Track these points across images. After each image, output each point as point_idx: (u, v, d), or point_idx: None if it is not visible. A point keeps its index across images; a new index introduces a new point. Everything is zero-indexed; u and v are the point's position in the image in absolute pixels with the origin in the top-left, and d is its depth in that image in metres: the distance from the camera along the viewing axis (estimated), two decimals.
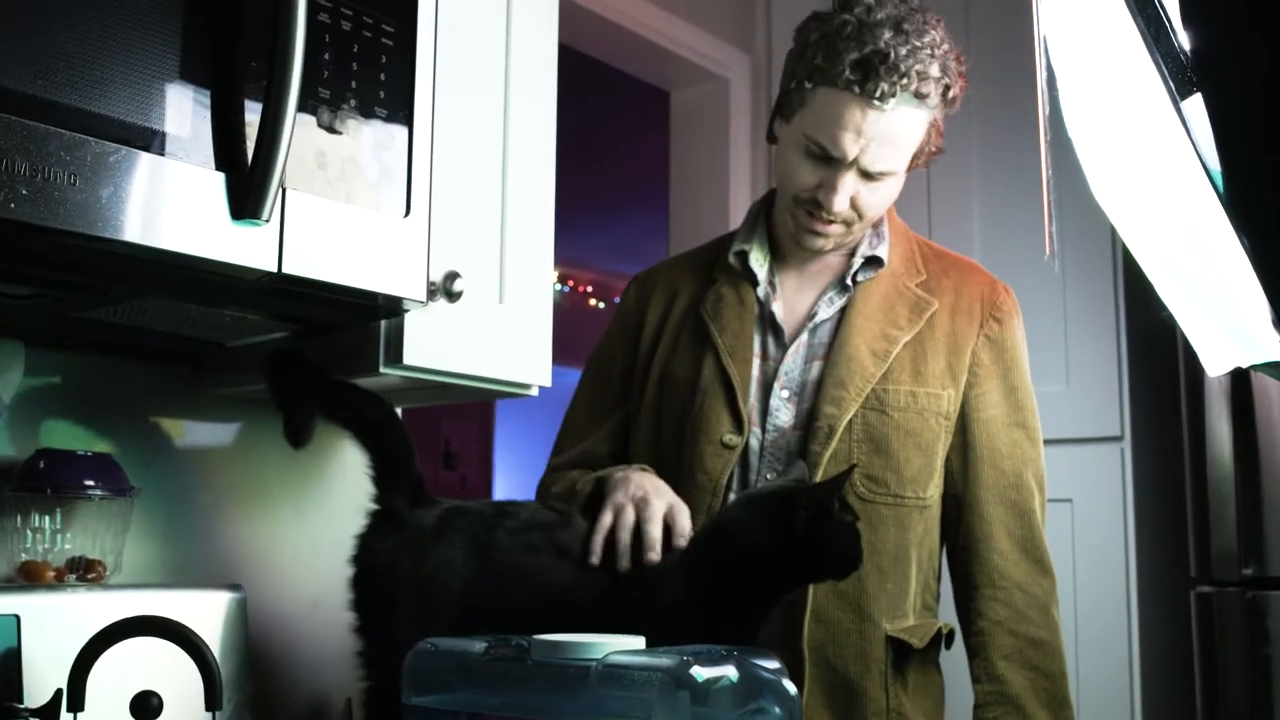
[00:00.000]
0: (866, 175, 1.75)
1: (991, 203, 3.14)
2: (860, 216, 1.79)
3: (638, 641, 1.36)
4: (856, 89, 1.70)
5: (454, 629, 1.48)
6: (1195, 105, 1.05)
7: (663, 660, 1.26)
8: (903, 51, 1.69)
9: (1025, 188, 3.00)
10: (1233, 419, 2.58)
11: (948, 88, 1.75)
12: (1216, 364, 1.34)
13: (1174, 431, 2.77)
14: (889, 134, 1.72)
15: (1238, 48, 0.95)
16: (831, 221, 1.79)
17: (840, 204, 1.75)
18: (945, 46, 1.74)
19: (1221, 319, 1.29)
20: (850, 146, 1.72)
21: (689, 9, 3.44)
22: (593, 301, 8.11)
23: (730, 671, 1.27)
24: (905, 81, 1.69)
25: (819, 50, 1.74)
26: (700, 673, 1.24)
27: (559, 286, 7.87)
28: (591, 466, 1.86)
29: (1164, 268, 1.31)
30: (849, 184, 1.75)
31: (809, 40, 1.77)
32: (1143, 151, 1.23)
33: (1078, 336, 2.95)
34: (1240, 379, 2.55)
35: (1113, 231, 2.65)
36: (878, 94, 1.69)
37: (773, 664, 1.33)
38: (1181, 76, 1.06)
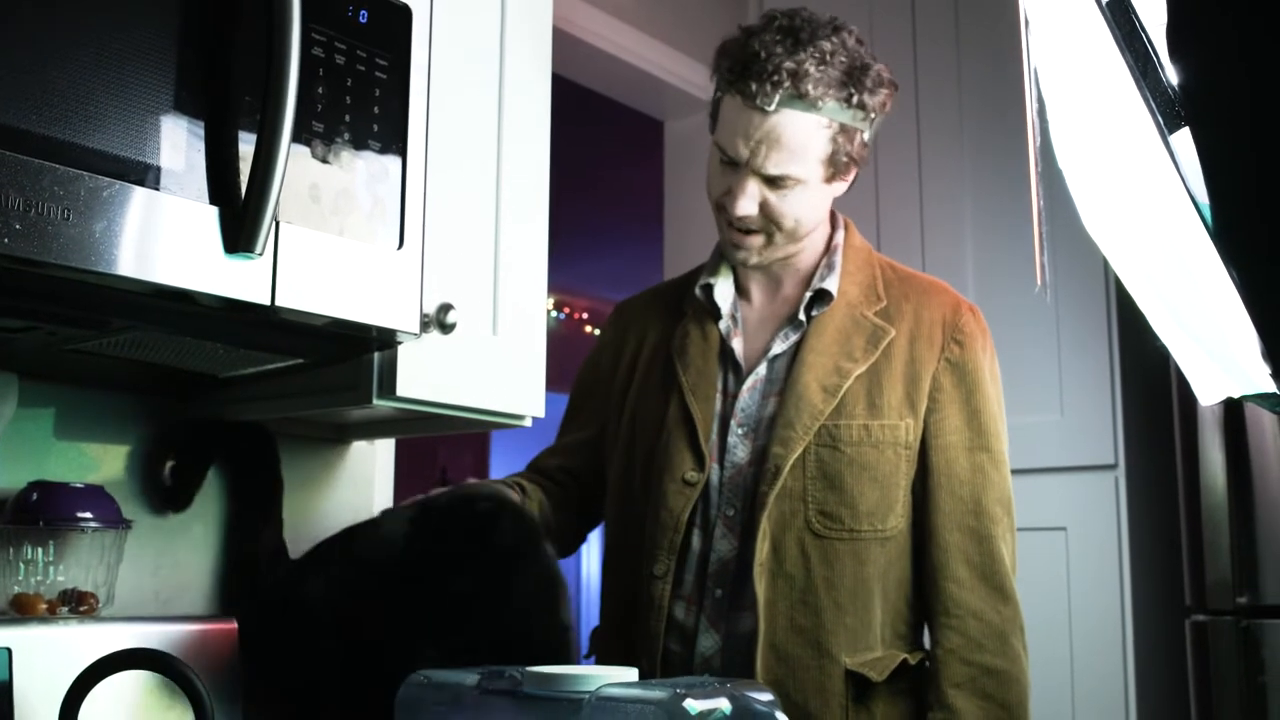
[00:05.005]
0: (769, 181, 1.75)
1: (984, 234, 3.15)
2: (778, 227, 1.78)
3: (630, 673, 1.36)
4: (734, 90, 1.74)
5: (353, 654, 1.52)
6: (1183, 139, 1.06)
7: (655, 693, 1.26)
8: (777, 52, 1.70)
9: (1017, 219, 3.00)
10: (1226, 448, 2.58)
11: (852, 95, 1.73)
12: (1208, 394, 1.34)
13: (1167, 460, 2.77)
14: (777, 137, 1.72)
15: (1223, 83, 0.96)
16: (747, 232, 1.79)
17: (744, 208, 1.75)
18: (845, 56, 1.73)
19: (1212, 350, 1.29)
20: (741, 149, 1.73)
21: (682, 39, 3.46)
22: (588, 328, 8.12)
23: (723, 704, 1.27)
24: (777, 79, 1.69)
25: (715, 62, 1.80)
26: (693, 705, 1.24)
27: (554, 313, 7.89)
28: (540, 472, 1.98)
29: (1155, 298, 1.32)
30: (751, 189, 1.75)
31: (715, 57, 1.82)
32: (1133, 184, 1.23)
33: (1071, 366, 2.96)
34: (1233, 408, 2.55)
35: (1105, 262, 2.65)
36: (754, 95, 1.71)
37: (765, 695, 1.33)
38: (1169, 111, 1.07)
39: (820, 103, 1.71)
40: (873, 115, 1.78)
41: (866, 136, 1.80)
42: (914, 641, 1.82)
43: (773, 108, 1.70)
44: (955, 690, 1.71)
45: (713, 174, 1.81)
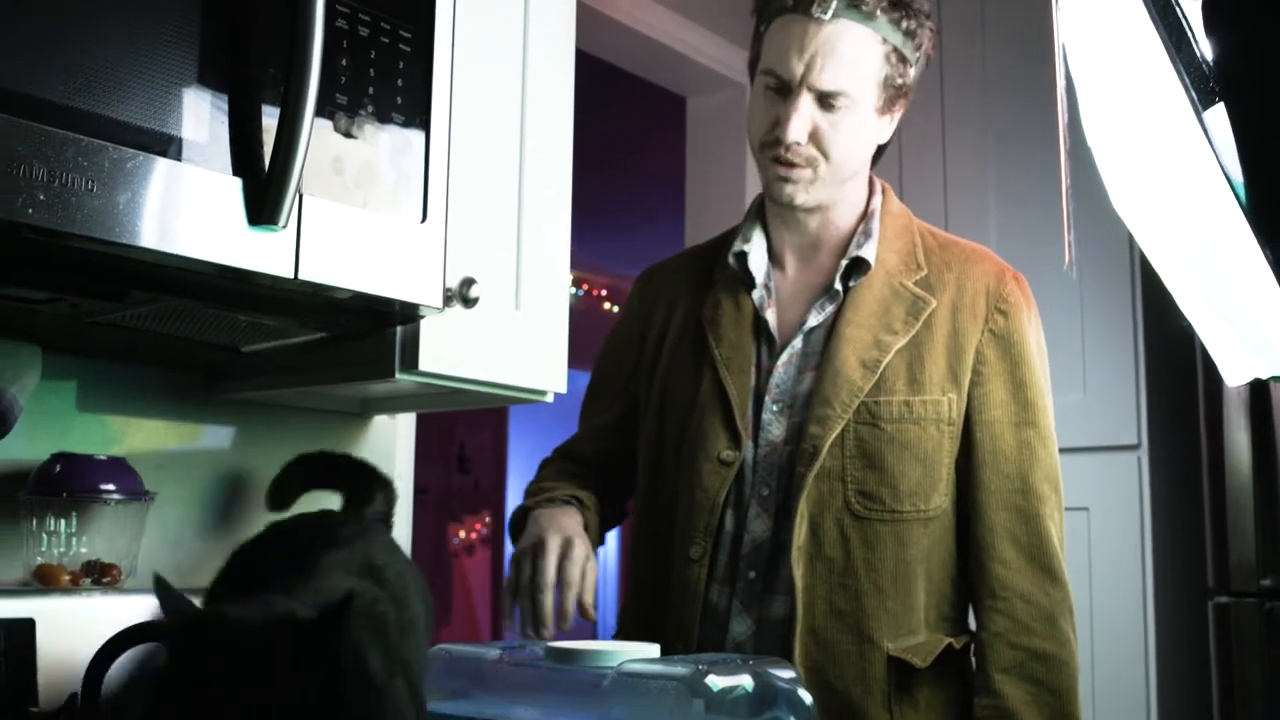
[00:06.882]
0: (821, 100, 1.68)
1: (1009, 211, 3.13)
2: (825, 157, 1.71)
3: (653, 649, 1.36)
4: (791, 2, 1.69)
5: None
6: (1218, 115, 1.05)
7: (678, 669, 1.26)
8: None
9: (1043, 196, 2.99)
10: (1251, 429, 2.56)
11: (903, 19, 1.69)
12: (1235, 374, 1.33)
13: (1192, 441, 2.76)
14: (833, 47, 1.66)
15: (1261, 58, 0.95)
16: (794, 165, 1.71)
17: (795, 131, 1.68)
18: None
19: (1241, 329, 1.28)
20: (796, 64, 1.67)
21: (706, 15, 3.44)
22: (607, 305, 8.11)
23: (745, 680, 1.26)
24: None
25: None
26: (715, 681, 1.23)
27: (574, 290, 7.88)
28: (577, 461, 1.90)
29: (1183, 277, 1.31)
30: (804, 109, 1.68)
31: None
32: (1163, 161, 1.22)
33: (1095, 345, 2.94)
34: (1259, 389, 2.54)
35: (1131, 240, 2.64)
36: (810, 2, 1.66)
37: (788, 673, 1.33)
38: (1204, 86, 1.06)
39: (876, 15, 1.67)
40: (919, 52, 1.74)
41: (913, 73, 1.75)
42: (959, 624, 1.76)
43: (829, 16, 1.66)
44: (1003, 675, 1.66)
45: (756, 113, 1.75)
